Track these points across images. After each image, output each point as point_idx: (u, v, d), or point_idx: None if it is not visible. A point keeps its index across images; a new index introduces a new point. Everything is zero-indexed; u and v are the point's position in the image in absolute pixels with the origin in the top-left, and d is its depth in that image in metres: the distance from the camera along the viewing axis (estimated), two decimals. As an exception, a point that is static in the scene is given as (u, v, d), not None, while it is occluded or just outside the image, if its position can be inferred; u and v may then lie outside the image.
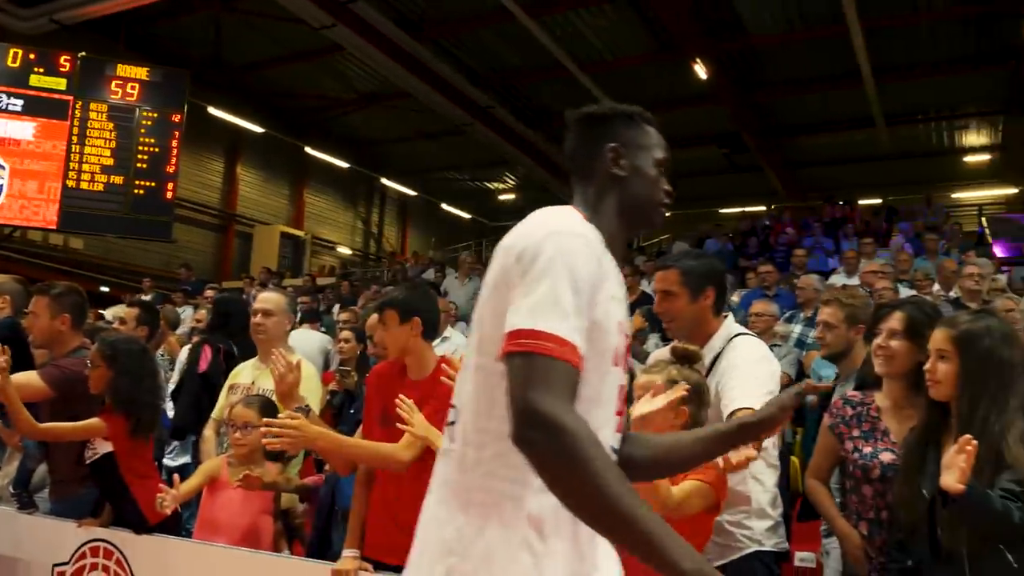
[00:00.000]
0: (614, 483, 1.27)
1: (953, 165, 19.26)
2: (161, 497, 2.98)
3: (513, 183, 23.65)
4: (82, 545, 3.20)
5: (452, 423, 1.51)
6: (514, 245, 1.42)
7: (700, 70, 14.15)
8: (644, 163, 1.64)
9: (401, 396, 2.62)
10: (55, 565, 3.26)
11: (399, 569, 2.65)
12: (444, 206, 24.65)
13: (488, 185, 24.06)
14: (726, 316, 2.89)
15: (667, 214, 1.70)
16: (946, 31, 13.47)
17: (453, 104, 16.23)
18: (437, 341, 6.20)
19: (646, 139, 1.67)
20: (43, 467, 3.67)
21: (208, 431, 3.86)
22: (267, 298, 3.90)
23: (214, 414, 3.90)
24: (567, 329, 1.33)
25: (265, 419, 2.65)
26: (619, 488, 1.27)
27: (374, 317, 3.92)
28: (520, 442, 1.29)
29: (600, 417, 1.45)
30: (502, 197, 24.50)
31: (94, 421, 3.22)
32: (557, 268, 1.36)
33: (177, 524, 3.43)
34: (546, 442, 1.27)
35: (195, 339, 5.53)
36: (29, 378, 3.35)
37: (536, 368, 1.30)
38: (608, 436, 1.48)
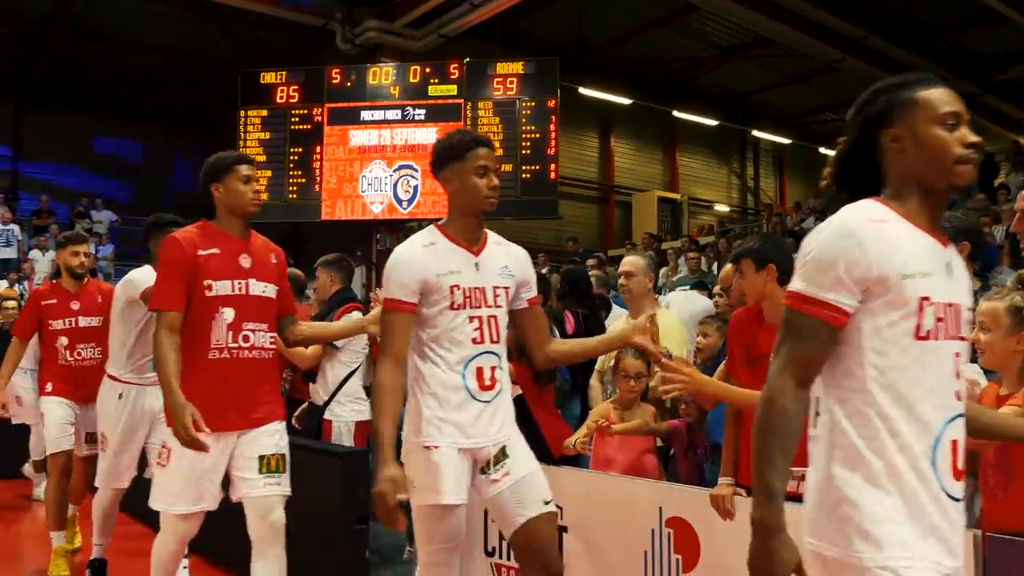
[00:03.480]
0: None
1: None
2: (582, 440, 3.56)
3: (898, 115, 21.93)
4: (506, 476, 3.87)
5: None
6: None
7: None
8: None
9: None
10: (489, 492, 3.98)
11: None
12: (822, 150, 23.59)
13: (869, 121, 22.56)
14: None
15: None
16: None
17: (820, 42, 15.56)
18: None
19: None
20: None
21: (594, 381, 4.39)
22: (627, 261, 4.36)
23: (597, 366, 4.41)
24: None
25: (665, 362, 2.94)
26: None
27: (727, 268, 4.16)
28: None
29: None
30: (887, 131, 22.82)
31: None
32: None
33: (577, 457, 3.96)
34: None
35: (554, 305, 6.13)
36: None
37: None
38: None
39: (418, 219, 14.71)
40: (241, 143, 14.13)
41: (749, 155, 23.64)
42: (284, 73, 14.41)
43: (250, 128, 14.24)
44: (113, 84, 18.20)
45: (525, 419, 3.83)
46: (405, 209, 13.95)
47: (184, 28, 16.31)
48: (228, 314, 3.17)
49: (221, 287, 3.17)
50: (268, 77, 14.38)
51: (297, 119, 14.24)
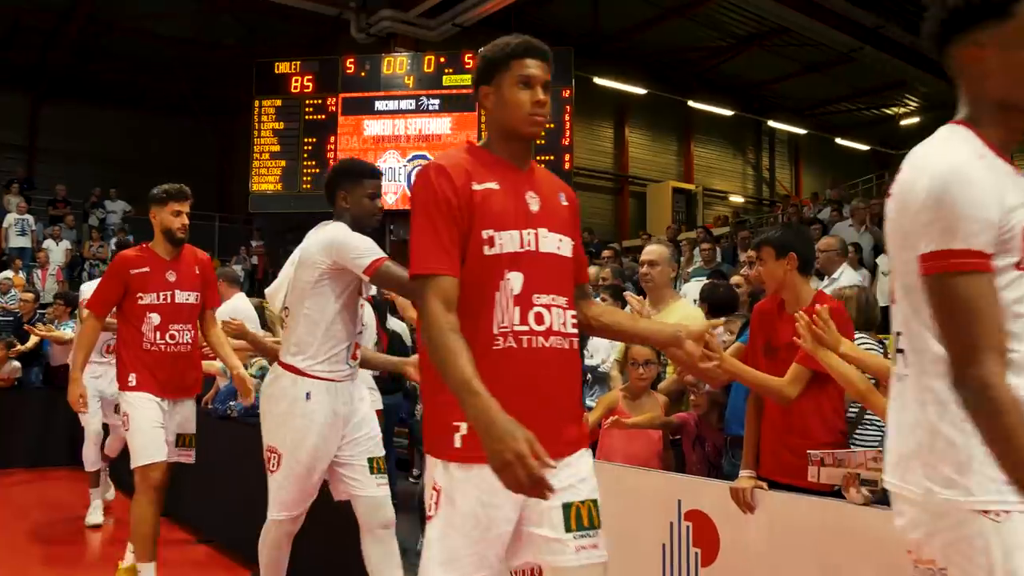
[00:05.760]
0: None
1: None
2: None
3: (916, 105, 21.77)
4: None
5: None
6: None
7: None
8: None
9: (799, 313, 2.70)
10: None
11: (791, 488, 2.88)
12: (838, 141, 23.43)
13: (887, 111, 22.40)
14: None
15: None
16: None
17: (837, 30, 15.43)
18: (825, 282, 6.17)
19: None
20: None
21: (614, 371, 4.35)
22: (651, 250, 4.29)
23: (616, 355, 4.37)
24: None
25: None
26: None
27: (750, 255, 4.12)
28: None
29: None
30: (904, 122, 22.66)
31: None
32: None
33: (594, 447, 3.93)
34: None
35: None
36: None
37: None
38: None
39: (432, 210, 14.72)
40: (256, 133, 14.12)
41: (764, 145, 23.49)
42: (298, 63, 14.39)
43: (264, 118, 14.23)
44: (129, 74, 18.22)
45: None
46: (419, 199, 13.93)
47: (199, 18, 16.32)
48: (515, 281, 2.05)
49: (507, 241, 2.05)
50: (282, 67, 14.36)
51: (311, 109, 14.22)
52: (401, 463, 7.83)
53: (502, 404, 1.86)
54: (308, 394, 3.20)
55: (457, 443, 1.98)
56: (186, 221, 4.15)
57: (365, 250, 3.09)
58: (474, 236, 2.03)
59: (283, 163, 14.04)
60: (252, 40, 16.79)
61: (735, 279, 5.78)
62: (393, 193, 13.86)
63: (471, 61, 14.05)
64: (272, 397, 3.29)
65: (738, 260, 10.64)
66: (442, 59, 14.21)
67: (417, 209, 2.03)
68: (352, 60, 14.26)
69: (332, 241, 3.16)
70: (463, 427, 1.96)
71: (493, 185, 2.06)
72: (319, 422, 3.19)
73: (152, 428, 3.98)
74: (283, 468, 3.22)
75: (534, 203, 2.12)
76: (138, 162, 18.49)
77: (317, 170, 13.98)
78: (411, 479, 7.91)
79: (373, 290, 3.44)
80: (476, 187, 2.04)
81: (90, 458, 6.19)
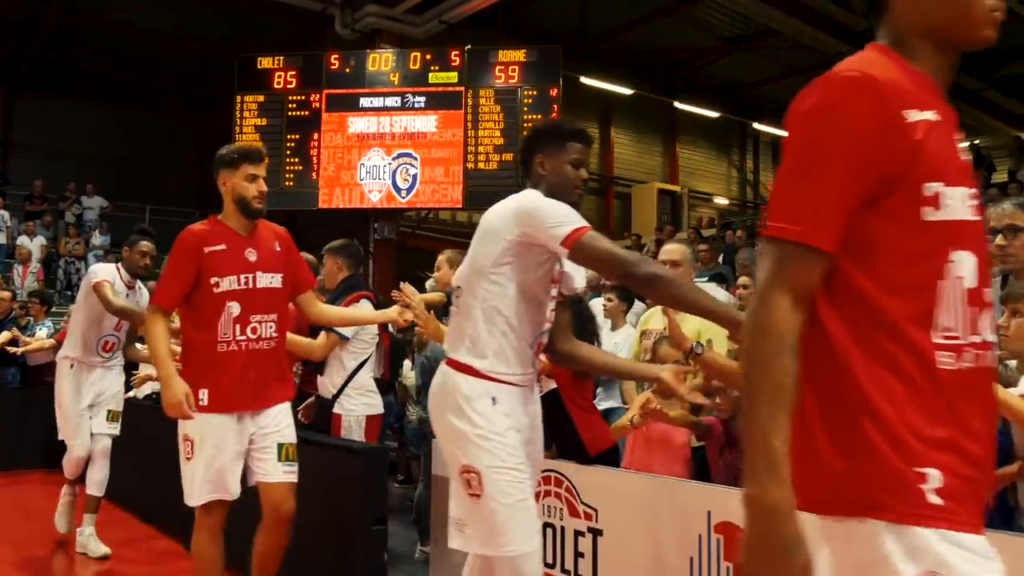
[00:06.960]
0: None
1: None
2: (638, 418, 3.34)
3: (899, 109, 21.84)
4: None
5: None
6: None
7: None
8: None
9: None
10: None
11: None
12: (822, 143, 23.47)
13: (869, 115, 22.45)
14: None
15: None
16: None
17: (825, 34, 15.38)
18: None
19: None
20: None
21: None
22: (674, 249, 4.09)
23: (630, 356, 4.22)
24: None
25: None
26: None
27: None
28: None
29: None
30: (887, 126, 22.74)
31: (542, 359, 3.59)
32: None
33: (615, 456, 3.75)
34: None
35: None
36: None
37: None
38: None
39: (416, 208, 14.51)
40: (237, 129, 13.84)
41: (750, 148, 23.49)
42: (282, 58, 14.11)
43: (247, 114, 13.93)
44: (108, 68, 17.88)
45: (560, 415, 3.61)
46: (404, 198, 13.69)
47: (181, 12, 16.02)
48: (966, 267, 1.32)
49: (954, 203, 1.31)
50: (265, 62, 14.07)
51: (294, 105, 13.94)
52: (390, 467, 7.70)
53: (964, 460, 1.28)
54: (494, 399, 2.48)
55: (933, 498, 1.24)
56: (264, 188, 3.50)
57: (564, 216, 2.42)
58: (910, 191, 1.30)
59: (265, 160, 13.76)
60: (235, 35, 16.51)
61: (742, 281, 5.65)
62: (378, 191, 13.65)
63: (457, 58, 13.87)
64: (445, 406, 2.53)
65: (735, 262, 10.55)
66: (428, 56, 13.99)
67: (806, 141, 1.32)
68: (336, 56, 14.01)
69: (523, 207, 2.51)
70: (934, 474, 1.25)
71: (932, 116, 1.32)
72: (516, 425, 2.51)
73: (222, 460, 3.27)
74: (491, 487, 2.41)
75: (963, 151, 1.40)
76: (116, 158, 18.17)
77: (300, 168, 13.74)
78: (396, 483, 7.81)
79: (578, 280, 2.79)
80: (913, 116, 1.30)
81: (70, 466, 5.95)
